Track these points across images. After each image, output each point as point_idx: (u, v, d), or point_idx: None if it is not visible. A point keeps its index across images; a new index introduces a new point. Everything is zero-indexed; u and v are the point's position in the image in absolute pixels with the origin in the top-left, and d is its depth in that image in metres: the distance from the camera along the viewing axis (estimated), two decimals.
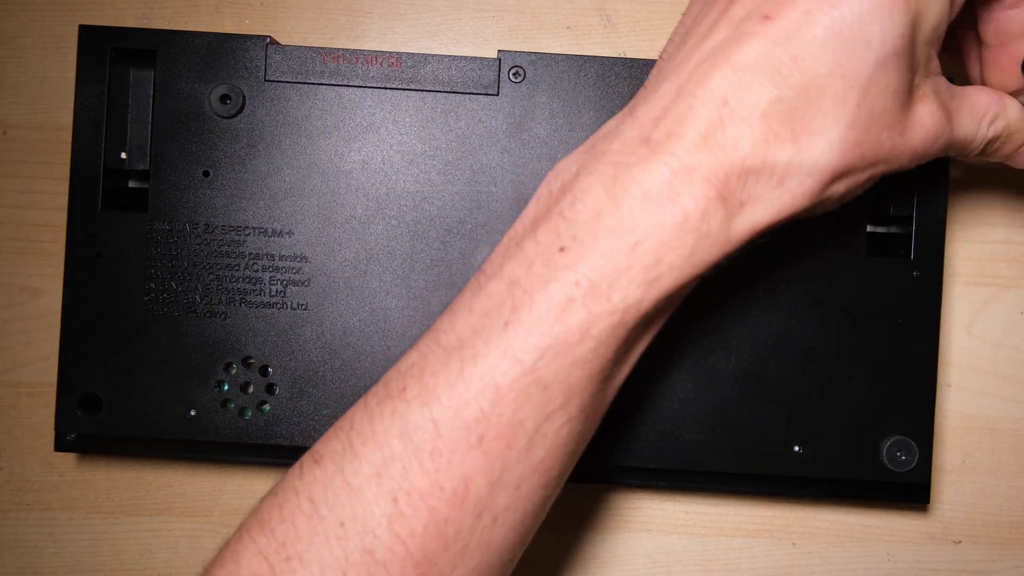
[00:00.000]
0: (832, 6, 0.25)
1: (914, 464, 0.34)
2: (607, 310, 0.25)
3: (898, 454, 0.34)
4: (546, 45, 0.39)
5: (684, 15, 0.29)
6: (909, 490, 0.35)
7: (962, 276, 0.39)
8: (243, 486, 0.39)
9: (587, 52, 0.39)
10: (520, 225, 0.27)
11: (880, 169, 0.27)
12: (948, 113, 0.28)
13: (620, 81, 0.35)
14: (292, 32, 0.39)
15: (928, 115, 0.27)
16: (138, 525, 0.39)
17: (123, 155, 0.35)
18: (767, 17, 0.25)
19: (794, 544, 0.39)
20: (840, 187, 0.26)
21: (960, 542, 0.38)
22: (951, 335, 0.39)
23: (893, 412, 0.34)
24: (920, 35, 0.26)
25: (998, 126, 0.30)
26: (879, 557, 0.38)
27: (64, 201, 0.38)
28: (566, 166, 0.27)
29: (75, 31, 0.37)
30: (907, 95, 0.27)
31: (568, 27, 0.39)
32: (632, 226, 0.25)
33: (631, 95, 0.35)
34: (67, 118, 0.34)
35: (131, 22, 0.39)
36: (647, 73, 0.34)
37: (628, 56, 0.39)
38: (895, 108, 0.26)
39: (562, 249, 0.25)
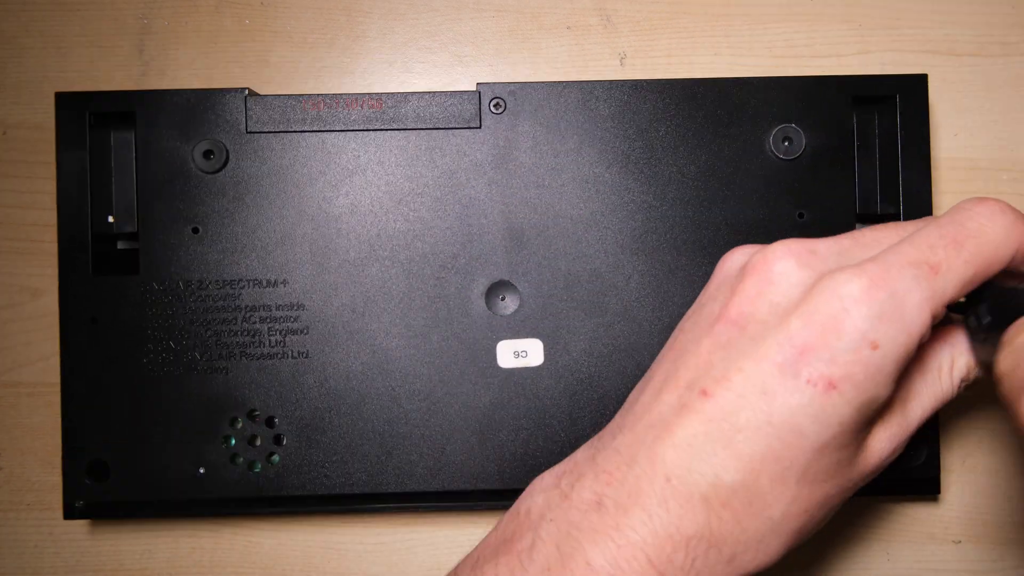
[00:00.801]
0: (763, 396, 0.25)
1: (923, 459, 0.35)
2: None
3: (907, 449, 0.35)
4: (546, 45, 0.39)
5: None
6: (920, 484, 0.36)
7: None
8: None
9: (587, 52, 0.39)
10: (494, 536, 0.28)
11: (836, 504, 0.27)
12: (903, 413, 0.28)
13: (601, 104, 0.35)
14: (292, 32, 0.39)
15: (881, 442, 0.27)
16: (138, 525, 0.39)
17: (110, 218, 0.35)
18: (704, 392, 0.26)
19: None
20: (797, 543, 0.27)
21: (960, 542, 0.39)
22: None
23: None
24: (865, 415, 0.25)
25: (960, 368, 0.28)
26: (879, 557, 0.39)
27: None
28: (541, 488, 0.28)
29: (75, 31, 0.37)
30: (856, 450, 0.26)
31: (568, 27, 0.39)
32: None
33: (612, 117, 0.35)
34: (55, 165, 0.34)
35: (131, 22, 0.39)
36: (627, 93, 0.35)
37: (627, 57, 0.39)
38: (842, 467, 0.26)
39: None
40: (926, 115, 0.35)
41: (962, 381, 0.29)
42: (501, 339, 0.35)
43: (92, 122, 0.34)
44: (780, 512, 0.26)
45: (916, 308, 0.25)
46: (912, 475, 0.35)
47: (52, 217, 0.39)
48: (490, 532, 0.29)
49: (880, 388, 0.25)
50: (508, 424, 0.35)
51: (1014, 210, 0.26)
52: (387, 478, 0.34)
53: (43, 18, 0.39)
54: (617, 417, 0.29)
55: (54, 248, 0.38)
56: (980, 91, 0.39)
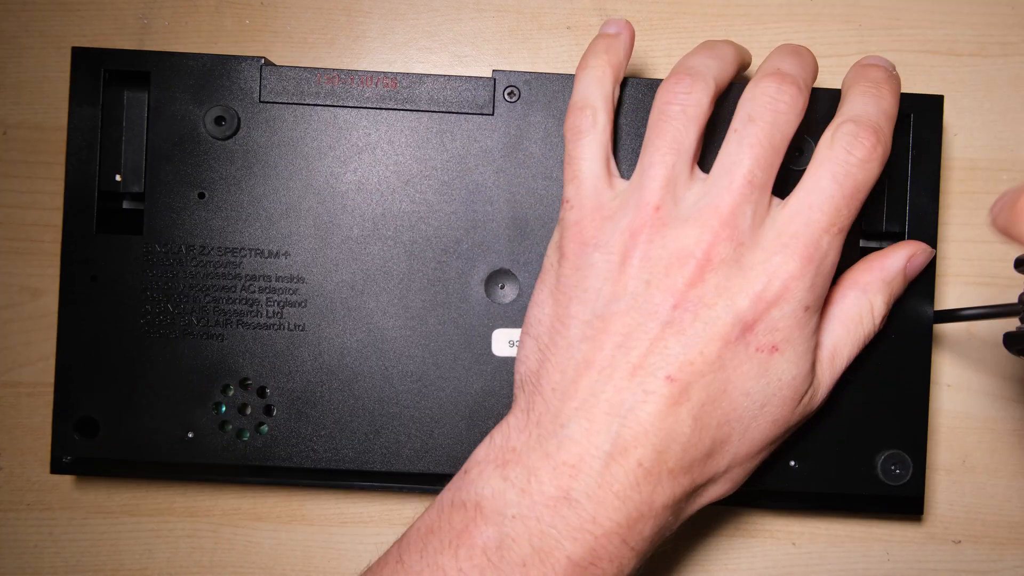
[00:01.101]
0: (720, 370, 0.28)
1: (908, 477, 0.35)
2: None
3: (892, 468, 0.35)
4: (546, 45, 0.39)
5: (535, 318, 0.31)
6: (904, 503, 0.36)
7: (961, 276, 0.39)
8: (243, 487, 0.39)
9: None
10: (437, 520, 0.28)
11: (792, 430, 0.31)
12: (831, 355, 0.31)
13: None
14: (292, 32, 0.39)
15: (820, 378, 0.31)
16: (138, 525, 0.39)
17: (118, 177, 0.35)
18: (669, 378, 0.28)
19: (794, 544, 0.39)
20: (756, 466, 0.31)
21: (960, 542, 0.39)
22: (951, 335, 0.39)
23: (887, 426, 0.35)
24: (803, 366, 0.29)
25: (879, 306, 0.32)
26: (879, 557, 0.39)
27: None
28: (482, 479, 0.28)
29: (75, 31, 0.37)
30: (808, 386, 0.30)
31: (568, 27, 0.39)
32: None
33: (623, 114, 0.35)
34: (67, 119, 0.34)
35: (131, 22, 0.39)
36: (640, 91, 0.35)
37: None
38: (795, 407, 0.30)
39: None
40: (939, 136, 0.35)
41: (885, 313, 0.32)
42: (497, 327, 0.35)
43: (107, 79, 0.34)
44: (743, 453, 0.29)
45: (832, 267, 0.29)
46: (897, 494, 0.35)
47: (52, 217, 0.39)
48: (424, 517, 0.29)
49: (812, 340, 0.29)
50: (498, 412, 0.35)
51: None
52: (374, 456, 0.35)
53: (43, 18, 0.39)
54: (548, 397, 0.29)
55: (54, 248, 0.38)
56: (980, 91, 0.39)
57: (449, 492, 0.29)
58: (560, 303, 0.29)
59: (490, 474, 0.28)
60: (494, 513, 0.27)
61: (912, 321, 0.35)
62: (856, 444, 0.35)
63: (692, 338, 0.27)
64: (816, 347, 0.30)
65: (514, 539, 0.27)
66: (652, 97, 0.35)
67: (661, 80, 0.34)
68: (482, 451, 0.29)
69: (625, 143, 0.35)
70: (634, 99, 0.35)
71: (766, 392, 0.28)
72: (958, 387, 0.39)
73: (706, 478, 0.29)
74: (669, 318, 0.28)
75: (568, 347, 0.29)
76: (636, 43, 0.39)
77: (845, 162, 0.28)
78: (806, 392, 0.29)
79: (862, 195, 0.29)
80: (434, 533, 0.28)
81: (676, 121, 0.29)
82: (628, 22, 0.32)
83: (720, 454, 0.28)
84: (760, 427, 0.29)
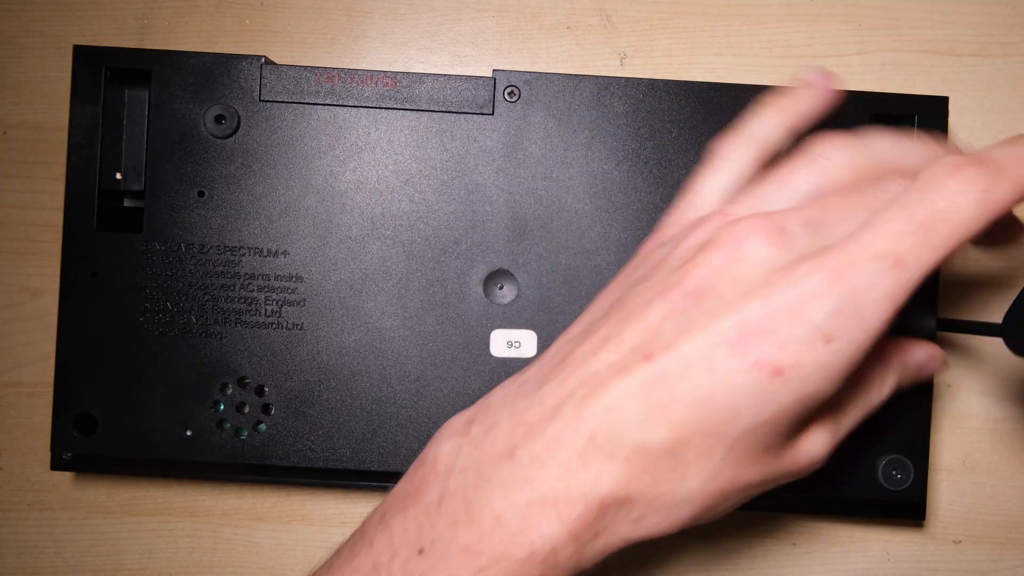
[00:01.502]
0: (707, 370, 0.24)
1: (909, 482, 0.34)
2: None
3: (894, 472, 0.34)
4: (546, 45, 0.39)
5: (596, 302, 0.29)
6: (905, 507, 0.35)
7: (962, 276, 0.39)
8: (243, 487, 0.39)
9: (587, 52, 0.39)
10: (401, 486, 0.27)
11: (753, 493, 0.27)
12: (835, 420, 0.28)
13: (615, 100, 0.35)
14: (292, 32, 0.39)
15: (812, 442, 0.27)
16: (138, 525, 0.39)
17: (118, 175, 0.35)
18: (647, 357, 0.25)
19: (794, 544, 0.39)
20: (704, 518, 0.27)
21: (960, 542, 0.39)
22: (952, 334, 0.39)
23: (888, 431, 0.35)
24: (804, 408, 0.25)
25: (889, 384, 0.29)
26: (879, 557, 0.39)
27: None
28: (449, 434, 0.27)
29: (75, 31, 0.37)
30: (785, 440, 0.26)
31: (568, 27, 0.39)
32: (481, 549, 0.25)
33: (626, 114, 0.35)
34: (67, 119, 0.34)
35: (131, 22, 0.39)
36: (643, 91, 0.35)
37: (627, 57, 0.39)
38: (768, 454, 0.26)
39: (421, 551, 0.25)
40: (944, 137, 0.35)
41: (889, 396, 0.29)
42: (496, 328, 0.35)
43: (108, 77, 0.35)
44: (699, 485, 0.25)
45: (876, 305, 0.24)
46: (897, 499, 0.35)
47: (52, 217, 0.39)
48: (397, 483, 0.28)
49: (826, 384, 0.25)
50: None
51: (987, 175, 0.24)
52: (371, 456, 0.35)
53: (43, 18, 0.39)
54: (544, 364, 0.27)
55: (54, 248, 0.38)
56: (980, 91, 0.39)
57: (421, 452, 0.28)
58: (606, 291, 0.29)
59: (456, 429, 0.27)
60: (446, 468, 0.26)
61: (915, 330, 0.34)
62: (858, 448, 0.34)
63: (687, 323, 0.25)
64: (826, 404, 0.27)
65: (453, 493, 0.26)
66: (660, 98, 0.35)
67: (676, 81, 0.35)
68: (461, 412, 0.28)
69: (625, 143, 0.35)
70: (634, 99, 0.35)
71: (756, 419, 0.25)
72: (958, 387, 0.39)
73: (656, 491, 0.25)
74: (677, 301, 0.25)
75: (583, 322, 0.28)
76: (636, 43, 0.39)
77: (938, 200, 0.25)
78: (800, 442, 0.27)
79: (946, 243, 0.24)
80: (396, 497, 0.27)
81: None
82: (830, 75, 0.30)
83: (684, 469, 0.25)
84: (738, 458, 0.25)
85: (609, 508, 0.25)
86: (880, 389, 0.29)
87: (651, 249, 0.29)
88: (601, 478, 0.25)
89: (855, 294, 0.24)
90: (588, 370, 0.26)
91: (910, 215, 0.24)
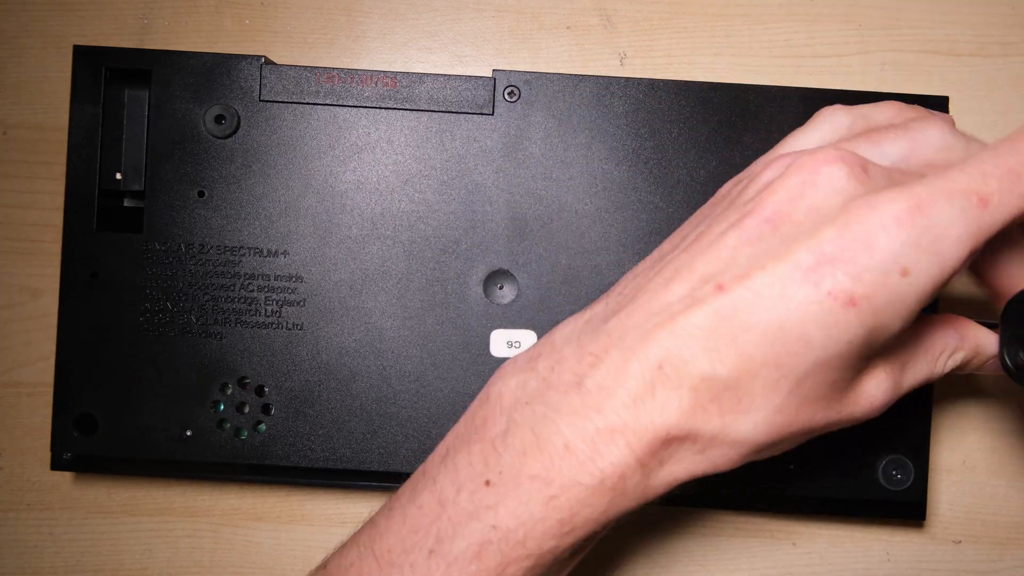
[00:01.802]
0: (781, 299, 0.24)
1: (909, 483, 0.34)
2: (522, 555, 0.25)
3: (894, 472, 0.34)
4: (546, 45, 0.39)
5: (667, 241, 0.29)
6: (905, 507, 0.35)
7: (962, 276, 0.39)
8: (243, 487, 0.39)
9: (587, 52, 0.39)
10: (463, 424, 0.28)
11: (814, 435, 0.27)
12: (900, 371, 0.27)
13: (615, 100, 0.35)
14: (292, 32, 0.39)
15: (875, 387, 0.27)
16: (138, 525, 0.39)
17: (118, 175, 0.35)
18: (720, 287, 0.24)
19: (794, 544, 0.39)
20: (765, 454, 0.26)
21: (960, 542, 0.39)
22: None
23: (889, 431, 0.35)
24: (872, 342, 0.25)
25: (957, 358, 0.29)
26: (879, 557, 0.39)
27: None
28: (514, 370, 0.27)
29: (75, 31, 0.37)
30: (850, 379, 0.26)
31: (568, 27, 0.39)
32: (551, 477, 0.25)
33: (626, 114, 0.35)
34: (67, 119, 0.34)
35: (131, 22, 0.39)
36: (643, 91, 0.35)
37: (627, 57, 0.39)
38: (833, 392, 0.26)
39: (488, 483, 0.26)
40: None
41: (953, 369, 0.29)
42: (496, 328, 0.35)
43: (108, 77, 0.35)
44: (763, 418, 0.25)
45: (955, 242, 0.24)
46: (897, 499, 0.35)
47: (52, 217, 0.39)
48: (458, 422, 0.28)
49: (897, 317, 0.24)
50: None
51: None
52: (371, 456, 0.35)
53: (43, 18, 0.39)
54: (611, 300, 0.27)
55: (54, 248, 0.38)
56: (980, 91, 0.39)
57: (481, 391, 0.28)
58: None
59: (521, 366, 0.27)
60: (512, 402, 0.26)
61: None
62: (857, 448, 0.34)
63: (762, 252, 0.24)
64: (898, 347, 0.27)
65: (520, 424, 0.26)
66: (660, 98, 0.35)
67: (677, 81, 0.35)
68: (525, 349, 0.28)
69: (625, 143, 0.35)
70: (634, 99, 0.35)
71: (827, 350, 0.24)
72: (958, 387, 0.39)
73: (721, 422, 0.25)
74: (751, 229, 0.25)
75: (653, 259, 0.28)
76: (636, 43, 0.39)
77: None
78: (863, 384, 0.26)
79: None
80: (458, 436, 0.27)
81: None
82: None
83: (750, 401, 0.25)
84: (804, 393, 0.25)
85: (675, 437, 0.25)
86: (947, 359, 0.28)
87: (728, 188, 0.28)
88: (668, 407, 0.25)
89: (935, 227, 0.23)
90: (657, 302, 0.25)
91: (1000, 159, 0.24)
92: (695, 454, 0.25)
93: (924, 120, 0.28)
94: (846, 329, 0.24)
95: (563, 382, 0.26)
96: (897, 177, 0.25)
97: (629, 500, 0.25)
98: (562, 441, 0.25)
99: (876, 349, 0.25)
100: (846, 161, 0.25)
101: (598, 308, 0.27)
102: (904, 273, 0.24)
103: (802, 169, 0.25)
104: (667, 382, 0.25)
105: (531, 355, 0.27)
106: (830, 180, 0.25)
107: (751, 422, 0.25)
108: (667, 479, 0.26)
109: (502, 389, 0.27)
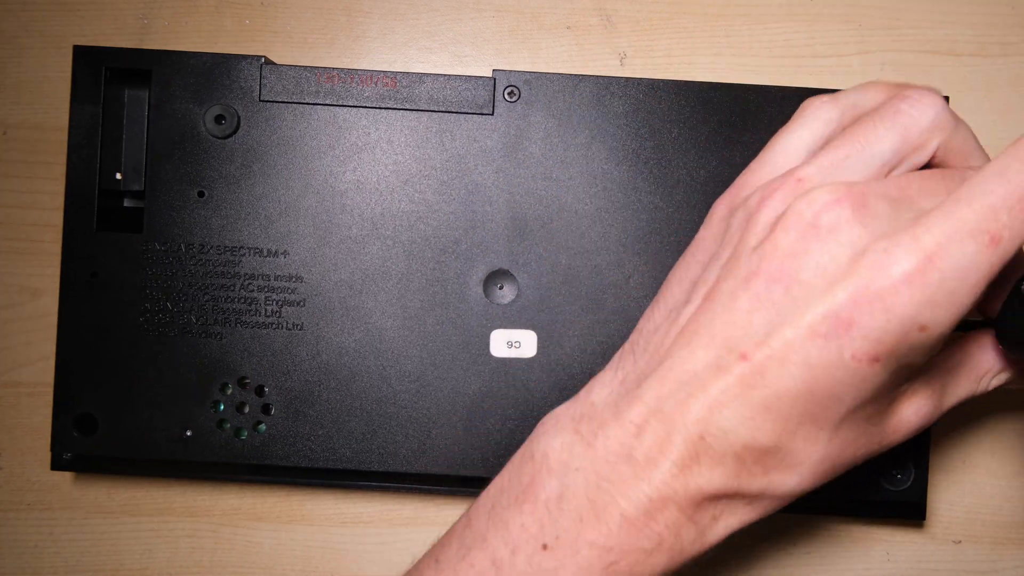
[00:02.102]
0: (805, 365, 0.24)
1: (909, 483, 0.35)
2: None
3: (894, 472, 0.35)
4: (546, 45, 0.39)
5: (675, 282, 0.29)
6: (905, 507, 0.35)
7: None
8: (243, 487, 0.39)
9: (587, 52, 0.39)
10: (507, 479, 0.28)
11: (857, 464, 0.27)
12: (940, 392, 0.28)
13: (615, 100, 0.35)
14: (292, 32, 0.39)
15: (914, 412, 0.27)
16: (138, 525, 0.39)
17: (118, 175, 0.35)
18: (744, 356, 0.25)
19: (794, 544, 0.39)
20: (813, 489, 0.27)
21: (960, 542, 0.39)
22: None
23: None
24: (900, 379, 0.25)
25: (1002, 378, 0.29)
26: (879, 557, 0.39)
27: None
28: (556, 430, 0.28)
29: (75, 31, 0.37)
30: (886, 407, 0.26)
31: (568, 27, 0.39)
32: (610, 545, 0.25)
33: (626, 114, 0.35)
34: (67, 119, 0.35)
35: (131, 22, 0.39)
36: (643, 91, 0.35)
37: (627, 57, 0.39)
38: (870, 426, 0.26)
39: (545, 547, 0.26)
40: None
41: (996, 388, 0.29)
42: (496, 328, 0.35)
43: (108, 77, 0.35)
44: (807, 469, 0.26)
45: (971, 288, 0.23)
46: (897, 499, 0.35)
47: (52, 217, 0.39)
48: (499, 476, 0.28)
49: (922, 357, 0.24)
50: (495, 413, 0.35)
51: None
52: (371, 456, 0.35)
53: (43, 18, 0.39)
54: (639, 356, 0.28)
55: (54, 248, 0.38)
56: (980, 91, 0.39)
57: (522, 447, 0.28)
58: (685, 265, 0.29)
59: (564, 426, 0.27)
60: (560, 465, 0.27)
61: None
62: None
63: (777, 316, 0.24)
64: (937, 368, 0.27)
65: (573, 491, 0.26)
66: (660, 98, 0.35)
67: (677, 81, 0.35)
68: (563, 406, 0.28)
69: (625, 143, 0.35)
70: (634, 99, 0.35)
71: (858, 400, 0.25)
72: None
73: (767, 480, 0.26)
74: (761, 291, 0.25)
75: (664, 306, 0.28)
76: (636, 43, 0.39)
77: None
78: (900, 410, 0.27)
79: None
80: (503, 492, 0.27)
81: None
82: None
83: (794, 457, 0.26)
84: (843, 437, 0.26)
85: (723, 497, 0.26)
86: (991, 379, 0.29)
87: (723, 214, 0.28)
88: (715, 474, 0.25)
89: (949, 280, 0.23)
90: (685, 369, 0.26)
91: (1007, 187, 0.23)
92: (744, 506, 0.26)
93: (910, 100, 0.27)
94: (873, 380, 0.24)
95: (610, 451, 0.26)
96: (899, 205, 0.25)
97: (687, 555, 0.26)
98: (618, 511, 0.26)
99: (908, 376, 0.26)
100: (842, 202, 0.24)
101: (627, 366, 0.28)
102: (922, 329, 0.23)
103: (801, 219, 0.25)
104: (710, 451, 0.25)
105: (572, 415, 0.28)
106: (833, 232, 0.24)
107: (797, 475, 0.26)
108: (721, 531, 0.27)
109: (547, 449, 0.27)
